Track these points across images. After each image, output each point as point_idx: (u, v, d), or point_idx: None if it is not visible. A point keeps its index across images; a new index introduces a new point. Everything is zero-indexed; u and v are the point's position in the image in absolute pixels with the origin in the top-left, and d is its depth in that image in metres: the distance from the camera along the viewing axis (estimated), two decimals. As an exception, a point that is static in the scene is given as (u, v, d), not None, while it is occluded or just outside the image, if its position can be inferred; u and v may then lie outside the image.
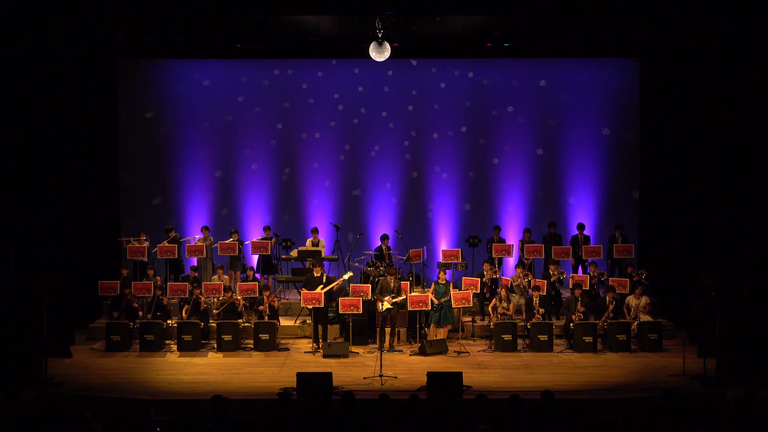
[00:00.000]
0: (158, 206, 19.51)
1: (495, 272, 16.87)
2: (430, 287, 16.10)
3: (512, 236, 19.31)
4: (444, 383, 12.74)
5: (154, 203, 19.51)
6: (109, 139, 18.70)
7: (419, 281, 17.53)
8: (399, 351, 15.44)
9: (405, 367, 14.44)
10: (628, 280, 16.37)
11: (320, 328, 15.70)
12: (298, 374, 12.92)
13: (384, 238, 17.95)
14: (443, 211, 19.83)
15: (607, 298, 15.88)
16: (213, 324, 16.05)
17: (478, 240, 17.88)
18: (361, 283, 16.57)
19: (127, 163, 19.33)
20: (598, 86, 19.51)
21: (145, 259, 17.27)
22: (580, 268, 17.87)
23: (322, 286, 15.83)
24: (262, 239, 17.94)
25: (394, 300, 15.43)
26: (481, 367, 14.51)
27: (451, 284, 16.00)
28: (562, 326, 15.94)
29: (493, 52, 18.92)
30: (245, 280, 16.69)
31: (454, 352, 15.30)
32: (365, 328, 15.94)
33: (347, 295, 15.78)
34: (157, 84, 19.54)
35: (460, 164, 19.77)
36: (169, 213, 19.47)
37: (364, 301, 15.31)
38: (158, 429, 9.80)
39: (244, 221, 19.59)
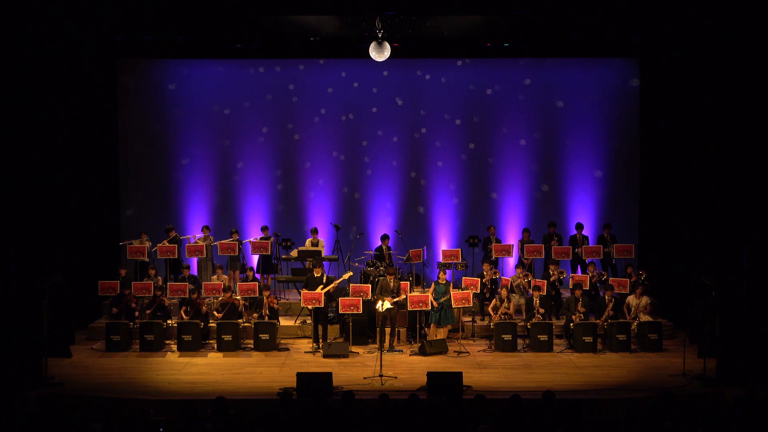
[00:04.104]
0: (158, 206, 19.50)
1: (495, 273, 16.88)
2: (430, 287, 16.10)
3: (512, 236, 19.32)
4: (444, 383, 12.73)
5: (154, 202, 19.52)
6: (109, 139, 18.70)
7: (419, 281, 17.53)
8: (399, 351, 15.44)
9: (405, 367, 14.44)
10: (627, 280, 16.39)
11: (320, 328, 15.70)
12: (298, 374, 12.91)
13: (384, 238, 17.96)
14: (443, 211, 19.83)
15: (606, 297, 15.89)
16: (213, 324, 16.05)
17: (478, 240, 17.89)
18: (361, 283, 16.58)
19: (127, 163, 19.34)
20: (598, 86, 19.52)
21: (146, 259, 17.29)
22: (579, 267, 17.87)
23: (322, 286, 15.83)
24: (261, 239, 17.94)
25: (394, 300, 15.43)
26: (481, 367, 14.51)
27: (451, 284, 16.01)
28: (562, 326, 15.94)
29: (493, 51, 18.94)
30: (245, 280, 16.70)
31: (454, 352, 15.30)
32: (365, 328, 15.94)
33: (347, 295, 15.79)
34: (157, 84, 19.55)
35: (459, 164, 19.76)
36: (169, 213, 19.47)
37: (364, 301, 15.32)
38: (161, 429, 9.80)
39: (244, 221, 19.59)
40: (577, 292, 15.84)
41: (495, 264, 17.45)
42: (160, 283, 16.67)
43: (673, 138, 17.09)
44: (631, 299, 16.09)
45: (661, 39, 17.29)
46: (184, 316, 15.90)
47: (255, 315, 16.01)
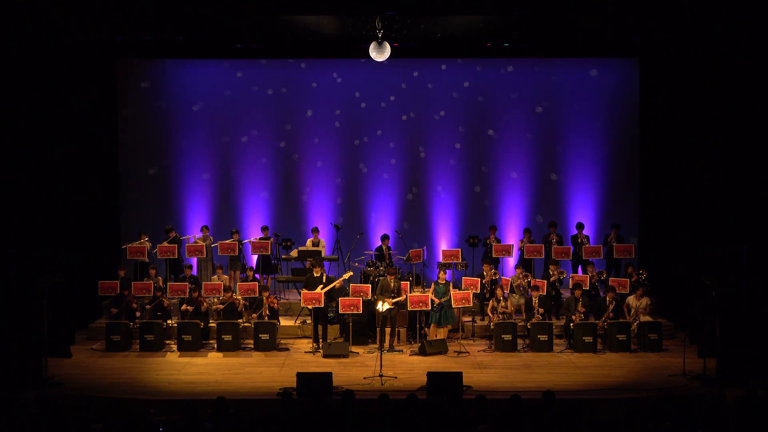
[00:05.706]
0: (158, 205, 19.51)
1: (495, 273, 16.88)
2: (430, 287, 16.10)
3: (512, 236, 19.31)
4: (444, 383, 12.74)
5: (154, 202, 19.52)
6: (109, 139, 18.69)
7: (419, 281, 17.53)
8: (399, 351, 15.44)
9: (405, 367, 14.44)
10: (627, 280, 16.38)
11: (320, 328, 15.70)
12: (298, 374, 12.91)
13: (384, 238, 17.96)
14: (443, 211, 19.82)
15: (607, 298, 15.89)
16: (213, 324, 16.05)
17: (478, 240, 17.88)
18: (361, 283, 16.58)
19: (127, 163, 19.33)
20: (598, 86, 19.51)
21: (145, 259, 17.29)
22: (579, 268, 17.86)
23: (322, 286, 15.83)
24: (261, 239, 17.94)
25: (394, 300, 15.43)
26: (481, 367, 14.51)
27: (451, 284, 16.01)
28: (562, 326, 15.94)
29: (493, 52, 18.93)
30: (245, 280, 16.70)
31: (454, 352, 15.30)
32: (365, 328, 15.95)
33: (347, 295, 15.79)
34: (157, 84, 19.54)
35: (460, 164, 19.76)
36: (169, 213, 19.47)
37: (364, 301, 15.32)
38: (161, 429, 9.80)
39: (244, 221, 19.59)
40: (577, 292, 15.84)
41: (495, 264, 17.45)
42: (161, 283, 16.67)
43: (673, 138, 17.08)
44: (631, 300, 16.09)
45: (661, 39, 17.29)
46: (187, 308, 15.88)
47: (254, 315, 16.00)
